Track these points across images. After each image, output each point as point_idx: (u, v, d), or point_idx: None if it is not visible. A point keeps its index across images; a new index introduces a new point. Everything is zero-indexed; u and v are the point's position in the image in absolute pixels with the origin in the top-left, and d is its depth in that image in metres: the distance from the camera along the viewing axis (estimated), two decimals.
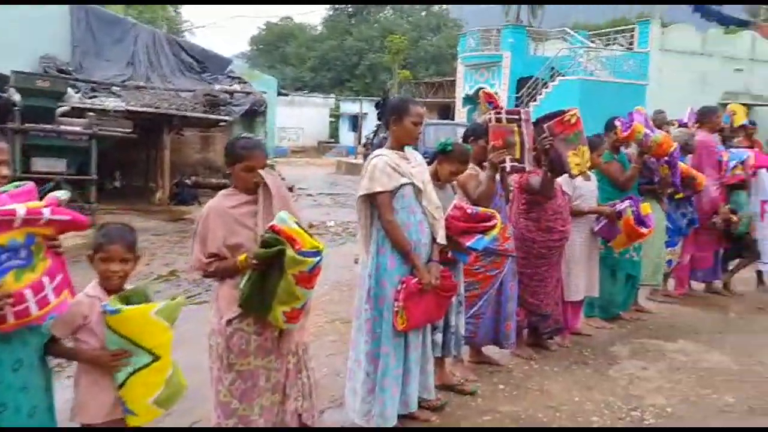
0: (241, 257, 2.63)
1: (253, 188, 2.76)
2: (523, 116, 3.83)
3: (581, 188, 4.83)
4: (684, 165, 5.56)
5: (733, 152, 6.34)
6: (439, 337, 3.72)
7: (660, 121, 7.05)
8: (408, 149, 3.39)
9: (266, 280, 2.56)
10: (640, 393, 3.94)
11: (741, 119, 6.87)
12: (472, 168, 4.04)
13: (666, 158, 5.21)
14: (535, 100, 20.88)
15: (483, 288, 4.11)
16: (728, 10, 25.24)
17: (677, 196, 5.67)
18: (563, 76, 20.57)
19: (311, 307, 2.86)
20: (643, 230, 4.74)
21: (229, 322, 2.71)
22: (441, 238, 3.33)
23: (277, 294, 2.54)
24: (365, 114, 33.62)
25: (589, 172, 4.90)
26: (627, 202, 4.73)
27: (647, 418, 3.63)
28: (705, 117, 6.17)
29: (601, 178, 5.11)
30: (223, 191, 2.86)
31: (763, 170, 6.31)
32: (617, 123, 5.09)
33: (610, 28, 25.62)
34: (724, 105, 6.98)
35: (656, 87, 19.79)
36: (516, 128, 3.79)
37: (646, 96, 19.14)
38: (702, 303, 6.13)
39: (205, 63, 14.44)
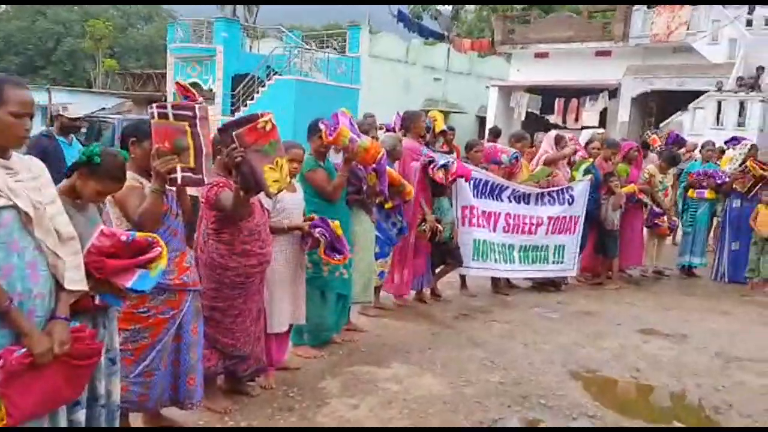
0: None
1: None
2: (198, 112, 2.91)
3: (284, 201, 4.12)
4: (393, 172, 5.25)
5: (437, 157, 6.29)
6: (82, 414, 2.65)
7: (368, 126, 6.79)
8: (17, 155, 2.28)
9: None
10: None
11: (441, 125, 6.93)
12: (134, 178, 3.05)
13: (374, 165, 4.79)
14: (252, 99, 20.27)
15: (154, 336, 3.14)
16: (427, 23, 27.54)
17: (387, 206, 5.34)
18: (280, 75, 20.28)
19: None
20: (337, 259, 4.26)
21: None
22: (70, 283, 2.30)
23: None
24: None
25: (294, 182, 4.25)
26: (318, 231, 4.14)
27: None
28: (410, 122, 5.99)
29: (307, 188, 4.50)
30: None
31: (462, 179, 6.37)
32: (321, 126, 4.51)
33: (323, 31, 26.18)
34: (426, 111, 7.05)
35: (367, 91, 20.58)
36: (188, 128, 2.87)
37: (360, 100, 19.78)
38: (413, 313, 5.94)
39: None
